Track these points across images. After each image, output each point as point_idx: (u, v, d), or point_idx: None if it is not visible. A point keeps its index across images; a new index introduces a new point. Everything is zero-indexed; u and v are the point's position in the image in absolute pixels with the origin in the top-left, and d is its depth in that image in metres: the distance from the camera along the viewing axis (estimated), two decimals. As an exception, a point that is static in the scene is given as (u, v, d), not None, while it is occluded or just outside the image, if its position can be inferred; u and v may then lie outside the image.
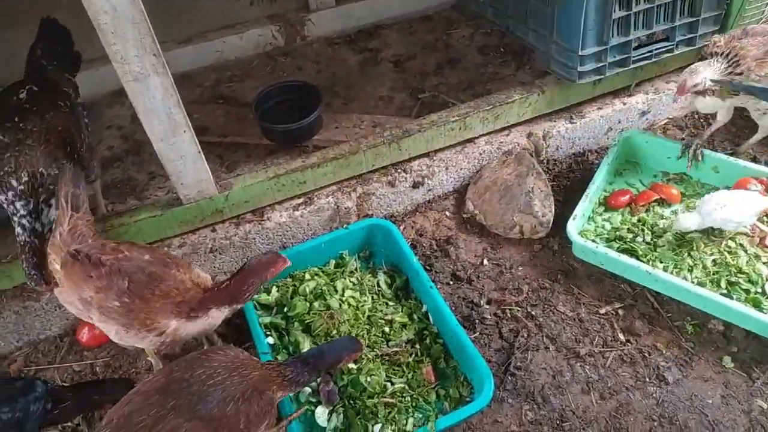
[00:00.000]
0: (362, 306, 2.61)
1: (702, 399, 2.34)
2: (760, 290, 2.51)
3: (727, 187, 2.81)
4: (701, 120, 3.46)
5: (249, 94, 3.49)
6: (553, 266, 2.84)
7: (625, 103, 3.30)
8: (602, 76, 3.04)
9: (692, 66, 2.75)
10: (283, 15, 3.99)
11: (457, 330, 2.41)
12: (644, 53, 3.06)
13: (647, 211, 2.93)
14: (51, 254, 2.18)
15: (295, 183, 2.84)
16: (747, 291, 2.52)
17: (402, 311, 2.64)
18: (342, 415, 2.32)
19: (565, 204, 3.01)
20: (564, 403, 2.37)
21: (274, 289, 2.73)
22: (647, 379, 2.42)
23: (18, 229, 2.24)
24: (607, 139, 3.35)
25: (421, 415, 2.31)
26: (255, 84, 3.61)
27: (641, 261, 2.62)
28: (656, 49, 3.08)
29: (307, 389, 2.38)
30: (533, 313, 2.66)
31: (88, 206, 2.27)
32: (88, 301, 2.07)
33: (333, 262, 2.85)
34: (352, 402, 2.33)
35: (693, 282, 2.54)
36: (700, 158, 2.98)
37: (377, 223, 2.86)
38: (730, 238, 2.69)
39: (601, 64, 2.99)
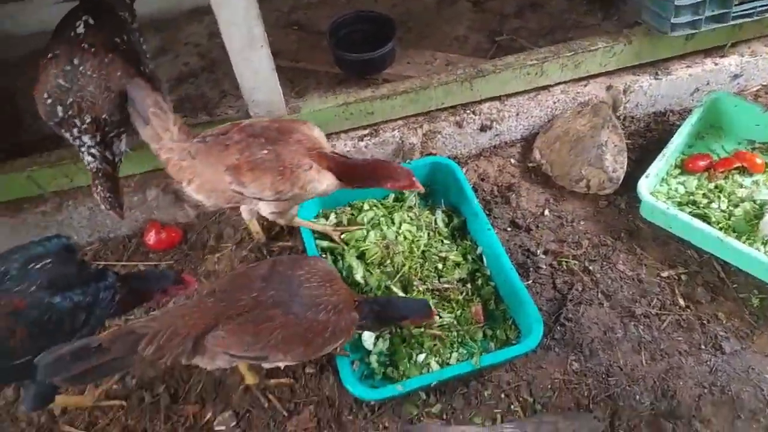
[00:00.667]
0: (418, 240, 2.62)
1: (759, 373, 2.26)
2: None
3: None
4: (799, 90, 3.22)
5: (323, 23, 3.45)
6: (617, 224, 2.76)
7: (716, 64, 3.09)
8: (696, 31, 2.84)
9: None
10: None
11: (510, 274, 2.39)
12: (746, 9, 2.83)
13: (726, 178, 2.77)
14: (171, 156, 2.22)
15: (363, 113, 2.83)
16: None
17: (456, 250, 2.63)
18: (388, 341, 2.37)
19: (638, 163, 2.89)
20: (612, 358, 2.34)
21: (333, 215, 2.77)
22: (702, 347, 2.35)
23: (88, 158, 2.28)
24: (692, 100, 3.16)
25: (465, 351, 2.34)
26: (330, 12, 3.57)
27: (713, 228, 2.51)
28: (760, 7, 2.84)
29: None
30: (591, 268, 2.60)
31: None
32: (237, 165, 2.14)
33: (392, 196, 2.84)
34: (399, 330, 2.36)
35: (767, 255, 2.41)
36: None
37: (441, 162, 2.83)
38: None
39: (697, 17, 2.79)
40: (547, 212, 2.84)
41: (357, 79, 3.14)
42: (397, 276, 2.50)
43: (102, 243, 2.87)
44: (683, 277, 2.55)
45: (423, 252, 2.59)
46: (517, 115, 3.02)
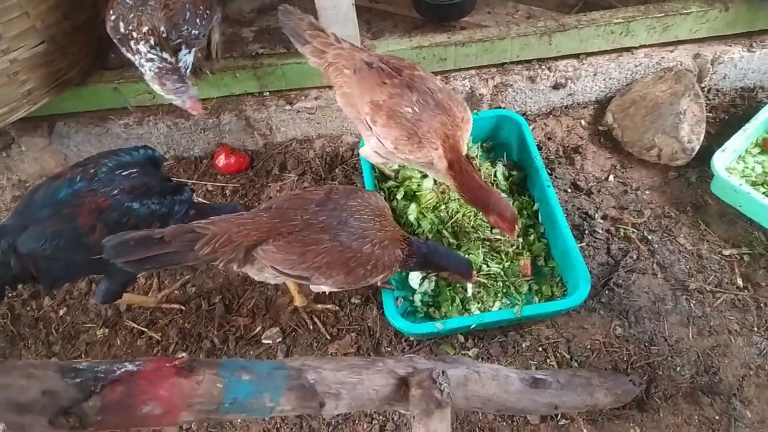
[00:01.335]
0: (474, 190, 2.62)
1: (812, 363, 2.18)
2: None
3: None
4: None
5: (406, -35, 3.42)
6: (685, 197, 2.67)
7: (820, 41, 2.87)
8: (804, 2, 2.65)
9: None
10: None
11: (564, 231, 2.37)
12: None
13: (811, 162, 2.62)
14: (338, 61, 2.24)
15: (436, 58, 2.82)
16: None
17: (513, 204, 2.62)
18: (434, 282, 2.43)
19: (716, 138, 2.77)
20: (658, 328, 2.31)
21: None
22: (755, 329, 2.28)
23: (147, 65, 2.34)
24: (787, 78, 2.97)
25: (508, 302, 2.37)
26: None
27: (787, 211, 2.39)
28: None
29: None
30: (649, 237, 2.55)
31: None
32: (379, 104, 2.16)
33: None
34: (444, 273, 2.41)
35: (843, 245, 2.29)
36: None
37: (508, 115, 2.79)
38: None
39: (807, -14, 2.60)
40: (611, 178, 2.78)
41: (434, 25, 3.12)
42: (450, 222, 2.53)
43: (176, 161, 3.04)
44: (746, 257, 2.45)
45: (479, 202, 2.60)
46: (595, 75, 2.92)
